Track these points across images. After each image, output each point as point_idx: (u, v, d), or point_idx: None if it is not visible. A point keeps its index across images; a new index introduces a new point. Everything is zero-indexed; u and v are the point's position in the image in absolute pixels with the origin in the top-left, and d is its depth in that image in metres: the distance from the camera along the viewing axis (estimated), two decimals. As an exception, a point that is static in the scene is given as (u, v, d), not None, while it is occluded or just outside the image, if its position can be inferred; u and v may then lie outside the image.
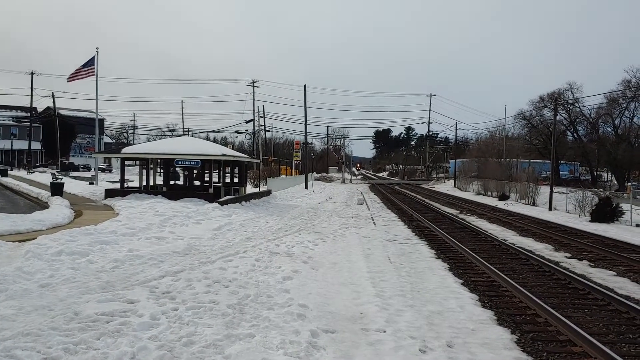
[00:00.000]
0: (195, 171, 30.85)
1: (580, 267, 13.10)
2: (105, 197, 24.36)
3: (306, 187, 47.87)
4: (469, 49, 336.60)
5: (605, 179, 62.38)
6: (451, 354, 6.57)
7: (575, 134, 61.98)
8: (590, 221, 24.09)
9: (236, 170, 31.35)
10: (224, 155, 25.98)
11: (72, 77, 33.64)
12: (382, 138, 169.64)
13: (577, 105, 57.57)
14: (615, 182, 54.46)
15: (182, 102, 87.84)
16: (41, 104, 77.74)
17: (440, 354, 6.49)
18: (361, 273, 11.15)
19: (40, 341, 6.00)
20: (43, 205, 22.54)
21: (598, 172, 63.28)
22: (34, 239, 11.93)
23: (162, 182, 29.12)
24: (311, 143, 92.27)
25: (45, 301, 7.58)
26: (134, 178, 31.34)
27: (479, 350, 6.76)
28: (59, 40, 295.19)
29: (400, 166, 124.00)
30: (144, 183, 27.77)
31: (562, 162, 62.07)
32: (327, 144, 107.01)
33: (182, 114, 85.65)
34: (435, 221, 22.95)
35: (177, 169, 31.78)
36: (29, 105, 70.02)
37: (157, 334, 6.53)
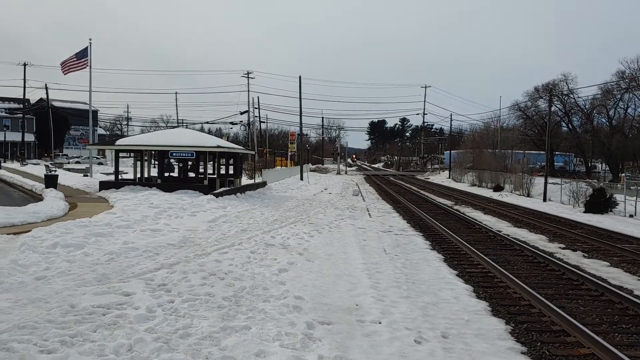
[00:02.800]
0: (189, 163, 30.78)
1: (574, 257, 13.20)
2: (100, 189, 24.29)
3: (301, 179, 47.86)
4: (462, 40, 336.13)
5: (599, 170, 62.68)
6: (446, 344, 6.62)
7: (569, 124, 62.18)
8: (585, 212, 24.21)
9: (231, 162, 31.31)
10: (218, 146, 25.90)
11: (67, 69, 33.42)
12: (377, 129, 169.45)
13: (571, 96, 57.81)
14: (610, 172, 54.73)
15: (176, 93, 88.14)
16: (34, 96, 77.57)
17: (436, 345, 6.53)
18: (357, 264, 11.18)
19: (37, 334, 6.01)
20: (37, 198, 22.48)
21: (592, 163, 63.55)
22: (28, 231, 11.90)
23: (156, 174, 29.02)
24: (306, 134, 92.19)
25: (40, 294, 7.58)
26: (128, 170, 31.25)
27: (473, 340, 6.81)
28: (52, 30, 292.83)
29: (395, 157, 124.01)
30: (139, 175, 27.71)
31: (556, 153, 62.26)
32: (322, 135, 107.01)
33: (177, 105, 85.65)
34: (430, 212, 23.01)
35: (171, 160, 31.66)
36: (21, 97, 69.52)
37: (154, 326, 6.55)
